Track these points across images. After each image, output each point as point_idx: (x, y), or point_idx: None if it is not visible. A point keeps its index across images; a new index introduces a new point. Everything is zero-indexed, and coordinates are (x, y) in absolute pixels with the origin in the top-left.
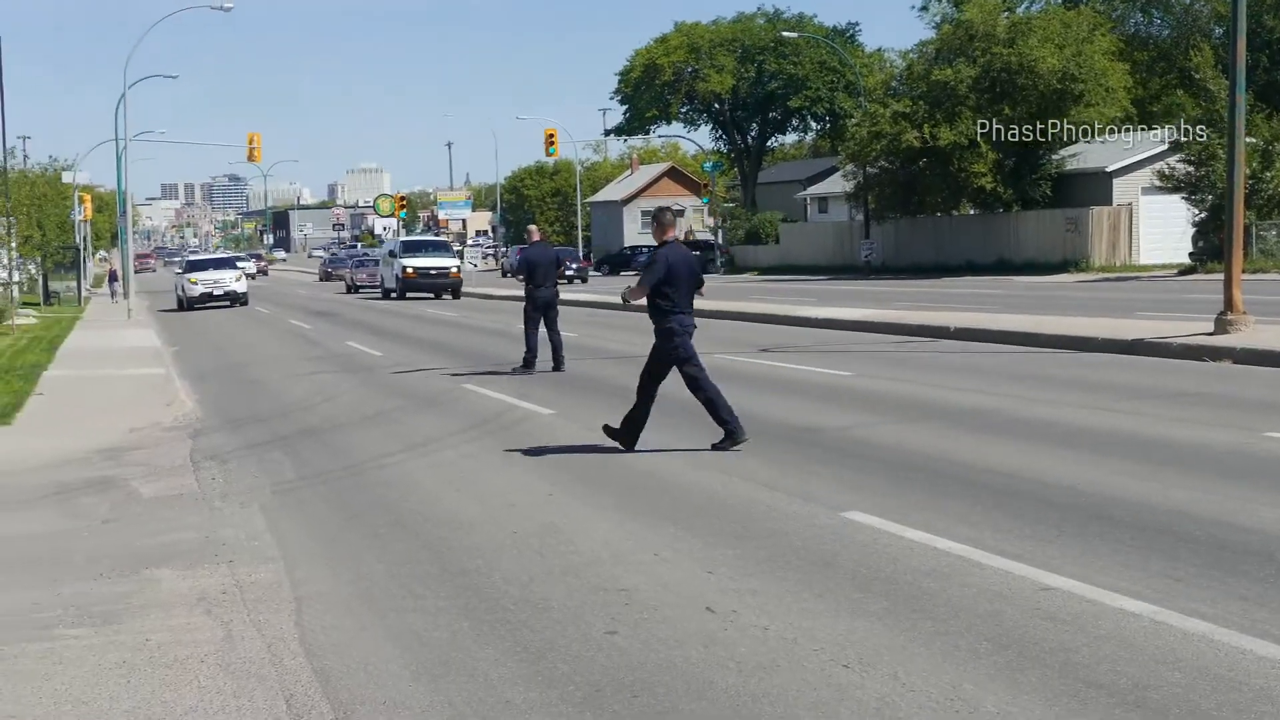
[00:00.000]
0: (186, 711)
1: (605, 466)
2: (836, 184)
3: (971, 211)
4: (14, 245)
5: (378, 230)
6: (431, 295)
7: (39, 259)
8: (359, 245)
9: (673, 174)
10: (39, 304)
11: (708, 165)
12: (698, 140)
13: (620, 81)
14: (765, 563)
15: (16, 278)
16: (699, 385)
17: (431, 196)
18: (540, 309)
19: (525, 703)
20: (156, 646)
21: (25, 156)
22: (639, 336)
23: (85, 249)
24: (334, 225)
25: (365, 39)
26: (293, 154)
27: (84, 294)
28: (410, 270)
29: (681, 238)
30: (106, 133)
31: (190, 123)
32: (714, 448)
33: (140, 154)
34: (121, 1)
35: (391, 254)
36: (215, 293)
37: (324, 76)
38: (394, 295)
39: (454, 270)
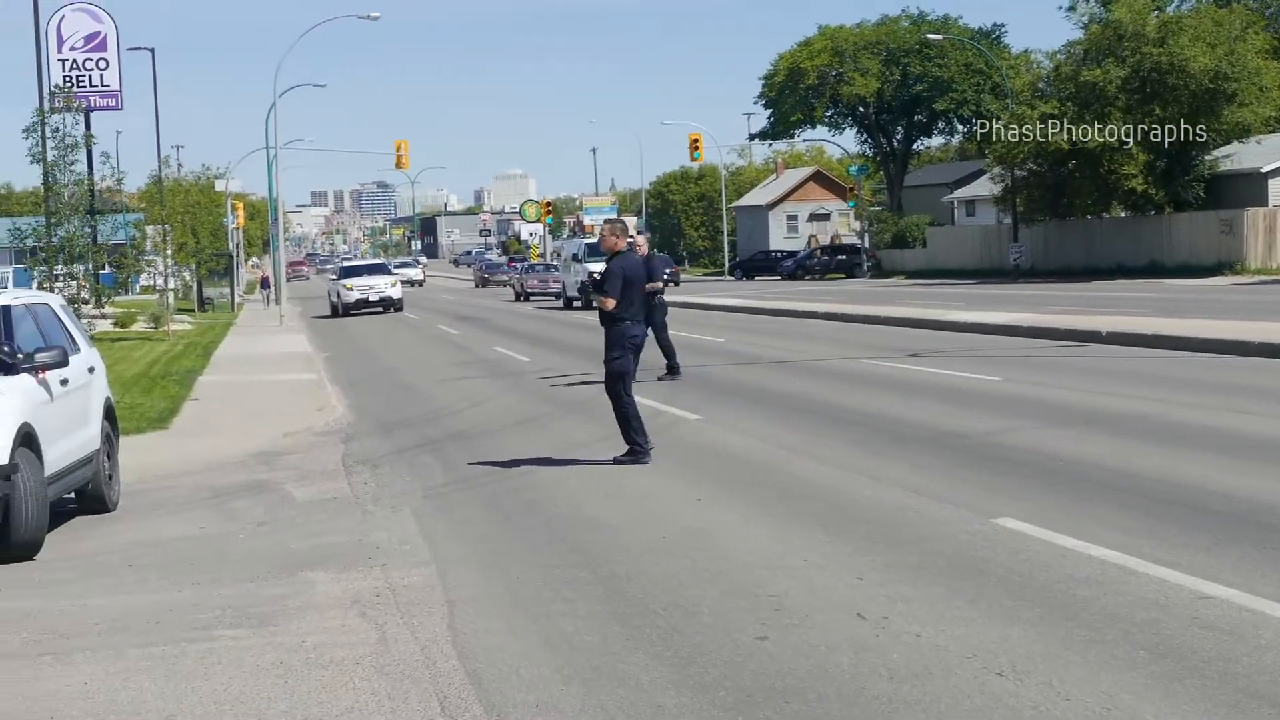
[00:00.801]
0: (343, 712)
1: (753, 471)
2: (984, 186)
3: (1122, 214)
4: (170, 252)
5: (524, 236)
6: None
7: (193, 266)
8: (491, 251)
9: (818, 178)
10: (193, 310)
11: (853, 169)
12: (843, 144)
13: (764, 86)
14: (915, 569)
15: (172, 284)
16: (619, 402)
17: (577, 202)
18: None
19: (676, 707)
20: (312, 648)
21: (179, 165)
22: (790, 341)
23: (238, 256)
24: (480, 231)
25: (511, 46)
26: (440, 160)
27: (237, 300)
28: (598, 275)
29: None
30: (257, 141)
31: (339, 131)
32: (615, 461)
33: (290, 162)
34: (270, 14)
35: (575, 258)
36: (371, 298)
37: (470, 83)
38: (577, 304)
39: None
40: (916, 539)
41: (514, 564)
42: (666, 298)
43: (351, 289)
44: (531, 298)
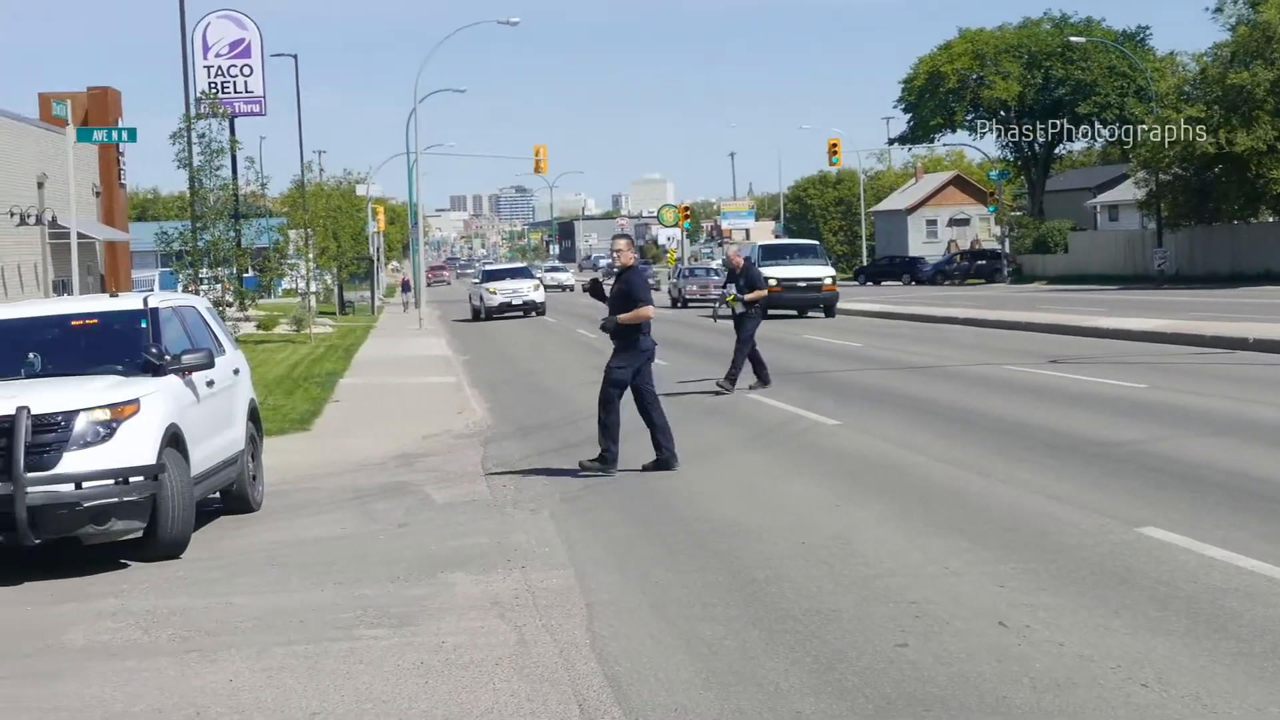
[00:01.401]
0: (482, 713)
1: (892, 476)
2: (1127, 191)
3: (1270, 219)
4: (312, 256)
5: (661, 240)
6: (795, 313)
7: (335, 269)
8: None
9: (958, 182)
10: (334, 313)
11: (993, 174)
12: (983, 148)
13: (904, 90)
14: (1058, 578)
15: (314, 288)
16: (607, 408)
17: (714, 206)
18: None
19: (815, 713)
20: (452, 649)
21: (321, 170)
22: (929, 346)
23: (378, 259)
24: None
25: (650, 50)
26: (578, 165)
27: (377, 303)
28: (774, 283)
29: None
30: (398, 146)
31: (478, 135)
32: (581, 466)
33: (430, 166)
34: (411, 20)
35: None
36: (514, 302)
37: (609, 87)
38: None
39: (827, 281)
40: (1059, 547)
41: (652, 568)
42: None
43: (495, 292)
44: (689, 304)
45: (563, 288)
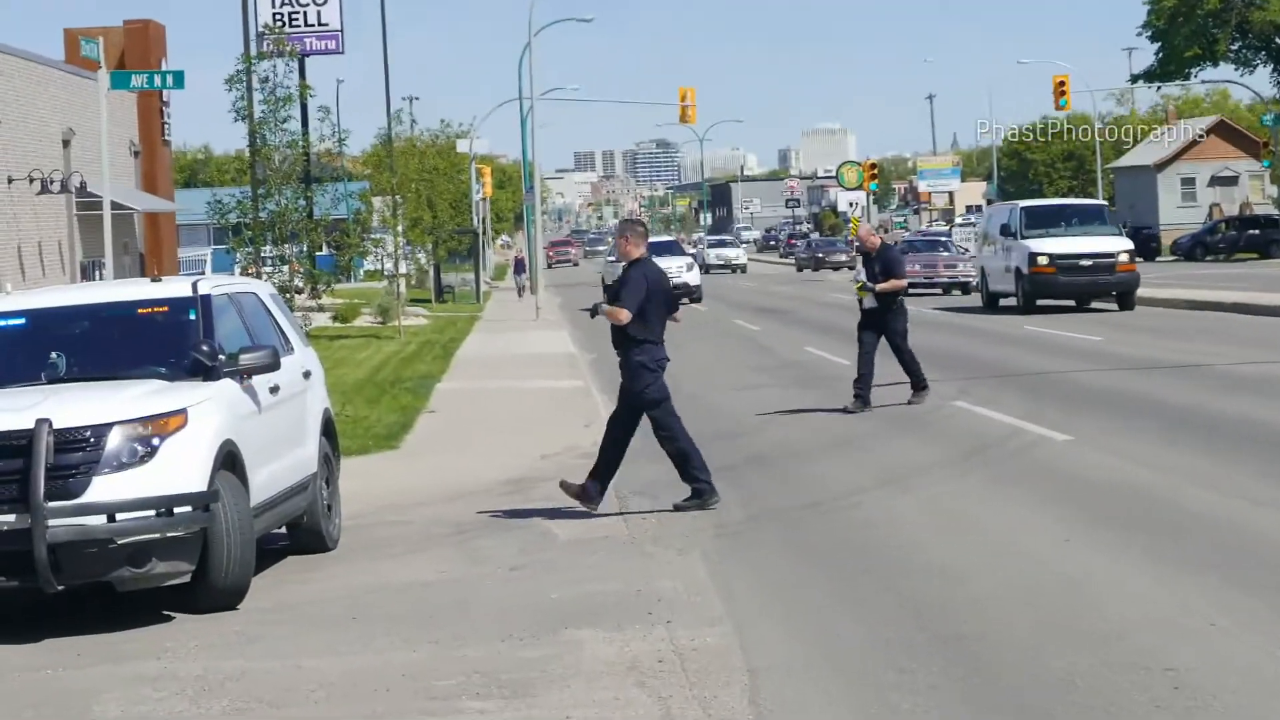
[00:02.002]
0: None
1: (1137, 505)
2: None
3: None
4: (401, 229)
5: (841, 206)
6: (1074, 303)
7: (430, 246)
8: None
9: (1221, 129)
10: (430, 300)
11: (1267, 118)
12: (1253, 86)
13: (1150, 13)
14: None
15: (404, 269)
16: (672, 435)
17: (909, 163)
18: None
19: None
20: None
21: (413, 122)
22: (1186, 341)
23: (484, 233)
24: (786, 200)
25: None
26: (735, 112)
27: (483, 288)
28: (1044, 261)
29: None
30: (508, 91)
31: (609, 77)
32: (676, 508)
33: (549, 116)
34: None
35: (1005, 231)
36: None
37: (772, 15)
38: (1008, 301)
39: (1123, 259)
40: None
41: (832, 621)
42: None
43: None
44: (911, 290)
45: (731, 268)
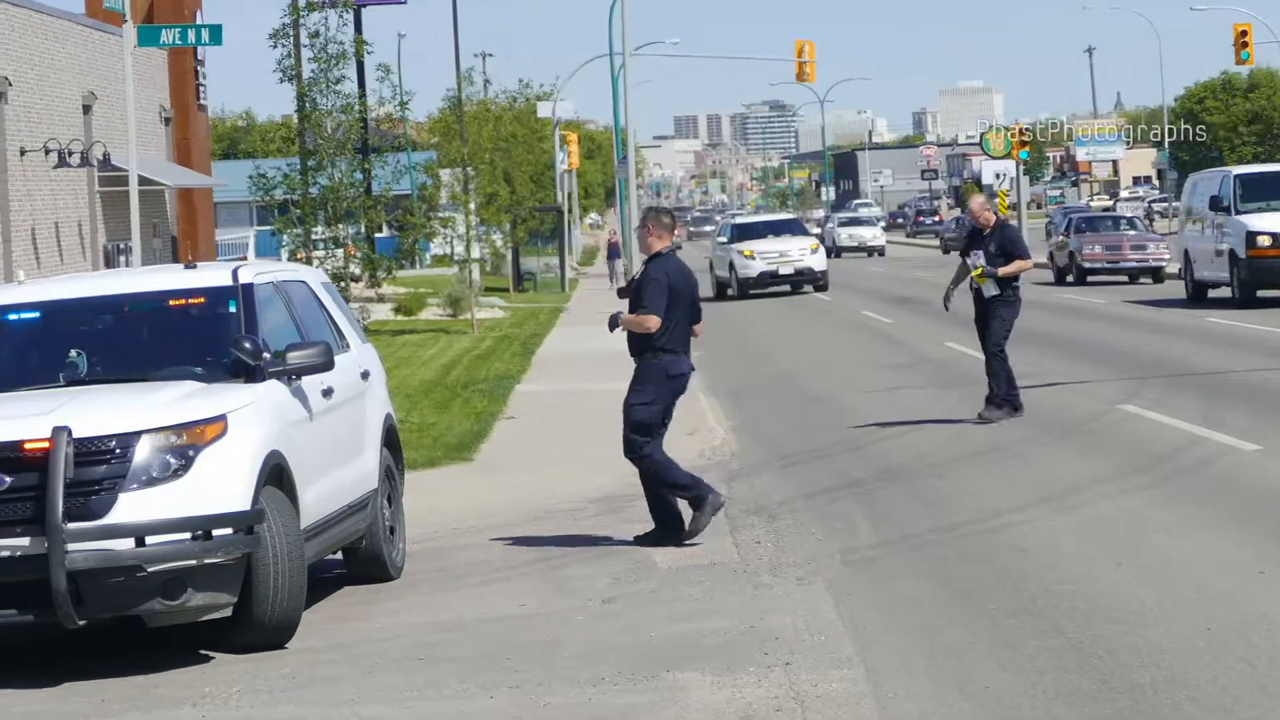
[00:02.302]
0: None
1: None
2: None
3: None
4: (474, 207)
5: (986, 178)
6: None
7: (506, 226)
8: (936, 201)
9: None
10: (508, 289)
11: None
12: None
13: None
14: None
15: (477, 253)
16: (645, 461)
17: (1064, 128)
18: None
19: None
20: None
21: (486, 83)
22: None
23: (570, 211)
24: (922, 171)
25: None
26: (862, 69)
27: (569, 274)
28: (1266, 242)
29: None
30: (597, 46)
31: (714, 30)
32: (636, 540)
33: (644, 74)
34: None
35: (1214, 206)
36: (781, 270)
37: None
38: (1218, 291)
39: None
40: None
41: (979, 665)
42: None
43: (753, 257)
44: (1090, 276)
45: (866, 250)
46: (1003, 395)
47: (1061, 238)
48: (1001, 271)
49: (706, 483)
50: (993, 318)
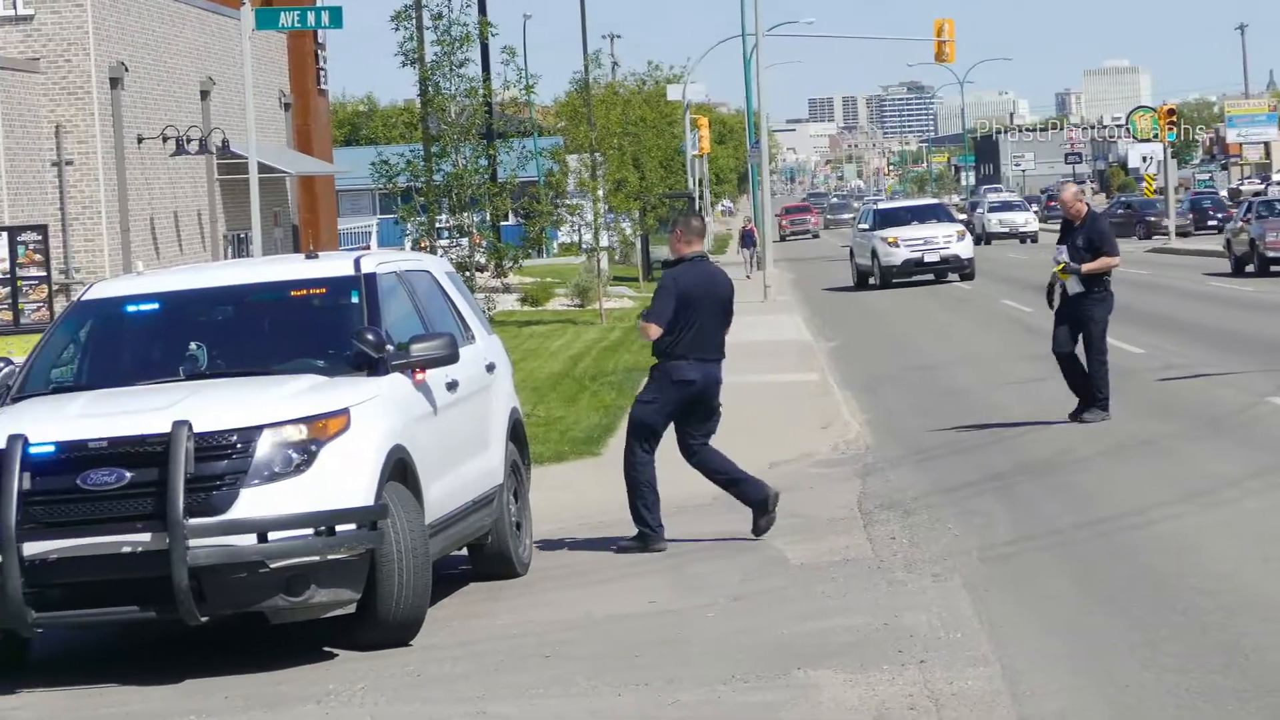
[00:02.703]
0: None
1: None
2: None
3: None
4: (602, 194)
5: (1133, 161)
6: None
7: (636, 213)
8: (1081, 185)
9: None
10: (637, 278)
11: None
12: None
13: None
14: None
15: (606, 241)
16: (631, 467)
17: (1214, 107)
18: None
19: None
20: None
21: (614, 65)
22: None
23: (702, 197)
24: (1066, 155)
25: None
26: (1003, 49)
27: None
28: None
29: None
30: (729, 27)
31: (850, 8)
32: (619, 549)
33: (777, 55)
34: None
35: None
36: (926, 258)
37: None
38: None
39: None
40: None
41: (1121, 665)
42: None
43: (896, 244)
44: (1274, 267)
45: (1019, 236)
46: (1101, 398)
47: (1240, 224)
48: (1085, 268)
49: (660, 530)
50: (1089, 321)
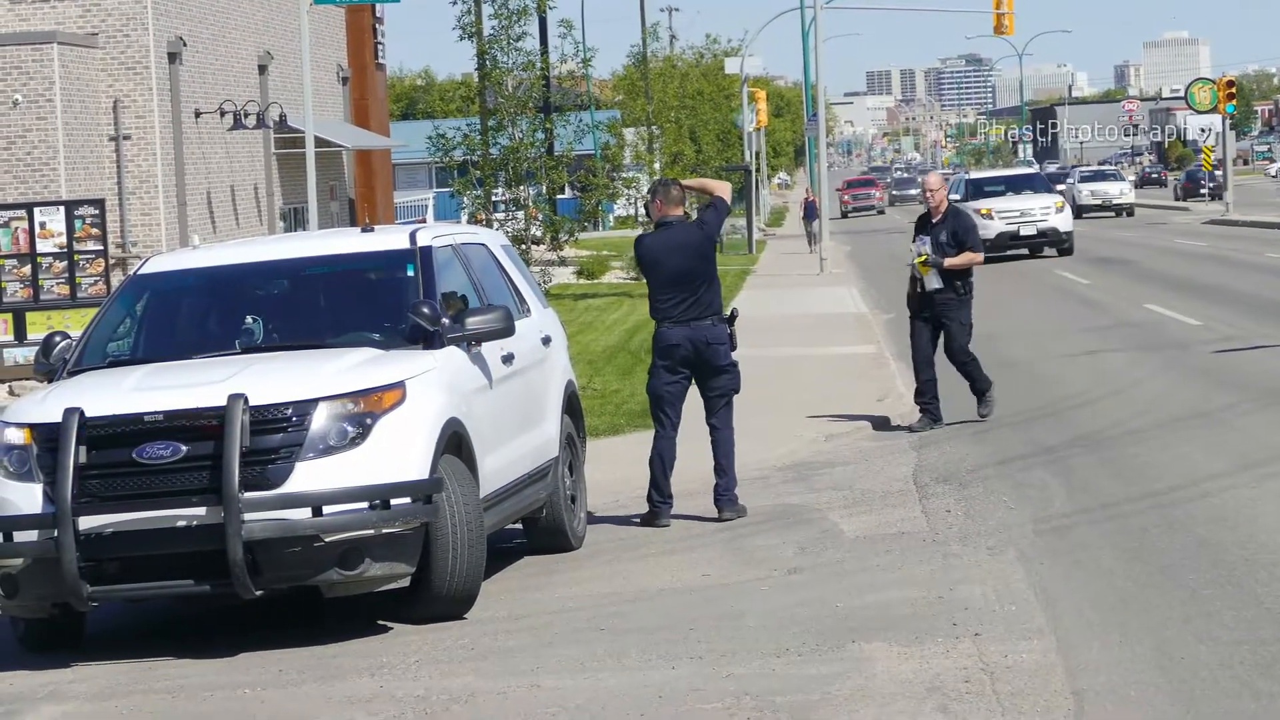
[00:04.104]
0: None
1: None
2: None
3: None
4: (659, 166)
5: (1191, 134)
6: None
7: None
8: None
9: None
10: None
11: None
12: None
13: None
14: None
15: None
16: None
17: (1275, 79)
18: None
19: None
20: None
21: (672, 38)
22: None
23: (758, 170)
24: (1124, 129)
25: None
26: (1062, 21)
27: (755, 235)
28: None
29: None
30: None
31: None
32: (642, 520)
33: (836, 28)
34: None
35: None
36: (1022, 231)
37: None
38: None
39: None
40: None
41: (1177, 638)
42: None
43: (990, 216)
44: None
45: (1115, 208)
46: (983, 390)
47: None
48: (949, 263)
49: (667, 507)
50: (951, 322)
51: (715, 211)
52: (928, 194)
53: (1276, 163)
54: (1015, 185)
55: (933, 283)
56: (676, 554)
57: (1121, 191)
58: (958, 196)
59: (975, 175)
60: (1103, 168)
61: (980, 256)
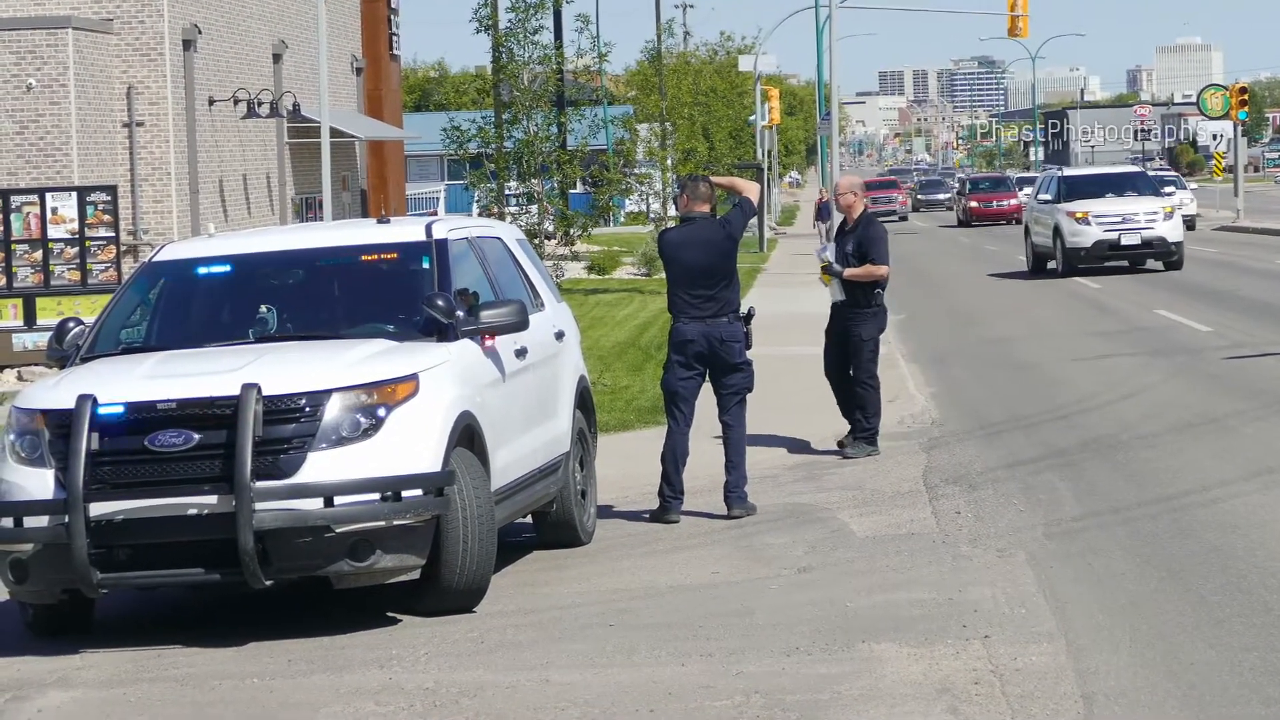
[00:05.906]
0: None
1: None
2: None
3: None
4: (671, 163)
5: (1203, 139)
6: None
7: None
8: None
9: None
10: None
11: None
12: None
13: None
14: None
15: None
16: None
17: None
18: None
19: None
20: None
21: (686, 35)
22: None
23: (770, 168)
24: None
25: None
26: (1076, 24)
27: (767, 234)
28: None
29: (707, 210)
30: None
31: None
32: (651, 517)
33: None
34: None
35: None
36: (1124, 240)
37: None
38: None
39: None
40: None
41: (1186, 643)
42: None
43: (1086, 220)
44: None
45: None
46: (867, 428)
47: None
48: (848, 274)
49: (678, 503)
50: (855, 339)
51: (740, 210)
52: (838, 198)
53: None
54: (1117, 185)
55: (836, 294)
56: (686, 551)
57: (1184, 200)
58: (1049, 196)
59: (1070, 173)
60: (1162, 169)
61: (883, 270)
